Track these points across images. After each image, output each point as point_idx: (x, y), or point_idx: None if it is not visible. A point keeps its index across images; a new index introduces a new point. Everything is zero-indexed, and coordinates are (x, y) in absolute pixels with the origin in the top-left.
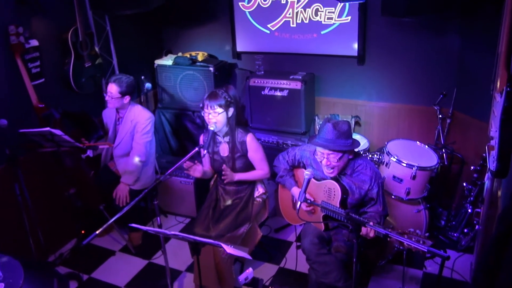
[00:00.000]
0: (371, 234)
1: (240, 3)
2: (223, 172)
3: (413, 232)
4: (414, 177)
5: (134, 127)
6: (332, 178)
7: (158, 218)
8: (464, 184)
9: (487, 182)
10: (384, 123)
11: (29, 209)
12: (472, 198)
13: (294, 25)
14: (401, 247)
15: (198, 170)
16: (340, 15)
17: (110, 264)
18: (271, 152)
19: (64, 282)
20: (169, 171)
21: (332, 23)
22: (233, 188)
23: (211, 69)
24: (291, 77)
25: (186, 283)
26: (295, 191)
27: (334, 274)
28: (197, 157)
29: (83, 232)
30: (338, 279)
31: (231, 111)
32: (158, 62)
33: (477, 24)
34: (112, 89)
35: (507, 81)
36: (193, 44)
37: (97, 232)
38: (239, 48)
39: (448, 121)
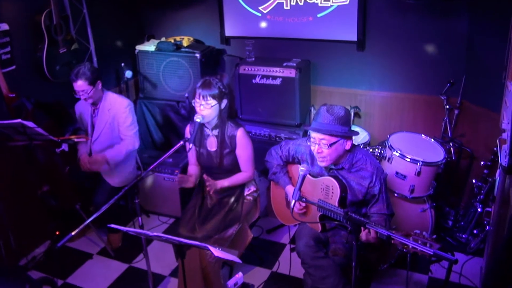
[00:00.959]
0: (372, 240)
1: None
2: (206, 183)
3: (420, 234)
4: (418, 174)
5: (113, 118)
6: (330, 175)
7: (140, 218)
8: (474, 181)
9: (498, 179)
10: (386, 115)
11: None
12: (482, 196)
13: (288, 7)
14: (404, 250)
15: (191, 181)
16: None
17: (87, 268)
18: (262, 146)
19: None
20: (151, 167)
21: (329, 5)
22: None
23: (197, 55)
24: (284, 64)
25: None
26: (290, 189)
27: (331, 279)
28: (183, 151)
29: (57, 233)
30: (335, 285)
31: (224, 102)
32: (139, 48)
33: (487, 6)
34: (82, 85)
35: None
36: (177, 28)
37: (72, 233)
38: (227, 33)
39: (456, 112)
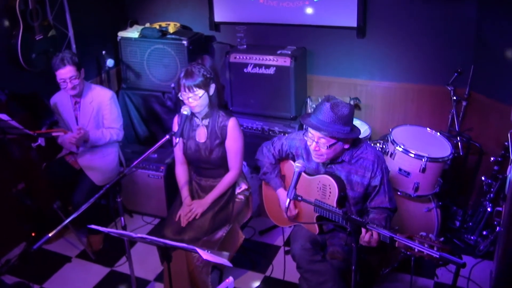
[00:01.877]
0: (373, 244)
1: None
2: (192, 210)
3: (426, 237)
4: (423, 170)
5: (97, 111)
6: (327, 171)
7: (122, 218)
8: (483, 178)
9: (509, 176)
10: (389, 106)
11: None
12: (492, 195)
13: None
14: (408, 253)
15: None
16: None
17: (65, 272)
18: (254, 141)
19: None
20: (135, 163)
21: None
22: (210, 183)
23: (185, 42)
24: (278, 52)
25: None
26: (282, 193)
27: (329, 284)
28: (168, 146)
29: (33, 234)
30: None
31: (212, 88)
32: (122, 34)
33: None
34: (71, 71)
35: None
36: (163, 14)
37: (50, 234)
38: (217, 18)
39: (464, 103)
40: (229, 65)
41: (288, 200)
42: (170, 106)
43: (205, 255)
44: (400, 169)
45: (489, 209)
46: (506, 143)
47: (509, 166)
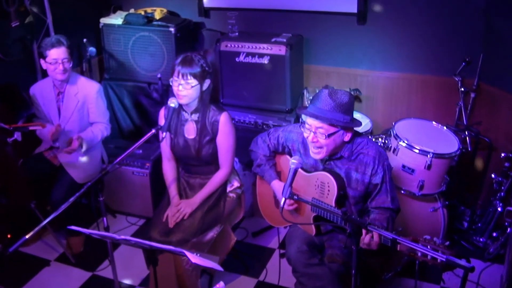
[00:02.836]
0: (373, 247)
1: None
2: (180, 210)
3: (430, 240)
4: (429, 167)
5: (82, 104)
6: (325, 167)
7: (105, 219)
8: (493, 175)
9: None
10: (391, 98)
11: None
12: (502, 194)
13: None
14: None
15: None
16: None
17: (43, 276)
18: (247, 136)
19: None
20: (118, 159)
21: None
22: (199, 181)
23: (172, 29)
24: (273, 40)
25: None
26: (277, 185)
27: None
28: (154, 141)
29: (9, 236)
30: None
31: (206, 83)
32: (104, 21)
33: None
34: (64, 52)
35: None
36: None
37: (27, 236)
38: (207, 3)
39: (472, 95)
40: (219, 54)
41: (283, 199)
42: (156, 98)
43: (194, 258)
44: (403, 166)
45: (499, 209)
46: None
47: None
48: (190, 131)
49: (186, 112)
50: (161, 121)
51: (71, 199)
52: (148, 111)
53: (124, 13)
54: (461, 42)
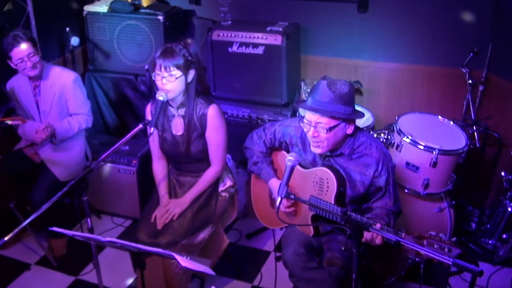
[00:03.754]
0: (378, 241)
1: None
2: (169, 210)
3: (435, 237)
4: (434, 164)
5: (59, 96)
6: (325, 164)
7: (89, 220)
8: (503, 173)
9: None
10: (395, 91)
11: None
12: None
13: None
14: (417, 259)
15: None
16: None
17: (23, 281)
18: (241, 131)
19: None
20: (103, 156)
21: None
22: (190, 179)
23: (160, 18)
24: (268, 29)
25: None
26: (274, 184)
27: None
28: (142, 137)
29: None
30: None
31: (191, 74)
32: (88, 8)
33: None
34: (29, 48)
35: None
36: None
37: (5, 238)
38: None
39: (481, 88)
40: (211, 43)
41: (279, 198)
42: (144, 91)
43: (184, 261)
44: (407, 163)
45: (509, 209)
46: None
47: None
48: (178, 127)
49: (172, 107)
50: (149, 116)
51: (53, 199)
52: (135, 104)
53: (109, 0)
54: (468, 31)
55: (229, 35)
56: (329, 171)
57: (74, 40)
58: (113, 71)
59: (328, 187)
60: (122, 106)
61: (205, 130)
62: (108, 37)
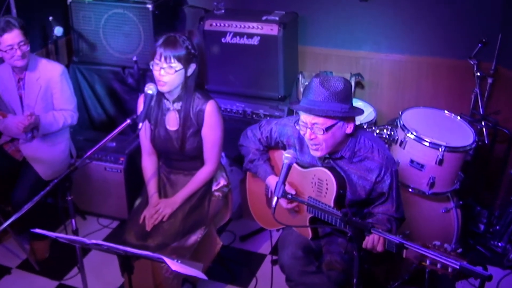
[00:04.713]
0: (379, 248)
1: None
2: (159, 211)
3: (439, 247)
4: (440, 162)
5: (45, 90)
6: (324, 165)
7: (73, 221)
8: None
9: None
10: (398, 84)
11: None
12: None
13: None
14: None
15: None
16: None
17: (3, 286)
18: (235, 126)
19: None
20: (88, 153)
21: None
22: (182, 177)
23: (149, 6)
24: (264, 18)
25: None
26: (272, 181)
27: None
28: (130, 133)
29: None
30: None
31: (192, 68)
32: None
33: None
34: (19, 35)
35: None
36: None
37: None
38: None
39: (490, 81)
40: (203, 33)
41: (275, 198)
42: (132, 84)
43: (175, 265)
44: (412, 161)
45: None
46: None
47: None
48: (172, 121)
49: (167, 100)
50: (140, 110)
51: (36, 198)
52: (122, 98)
53: None
54: (477, 20)
55: (222, 24)
56: (328, 172)
57: (58, 30)
58: (99, 63)
59: (327, 188)
60: (108, 100)
61: (201, 126)
62: (93, 27)
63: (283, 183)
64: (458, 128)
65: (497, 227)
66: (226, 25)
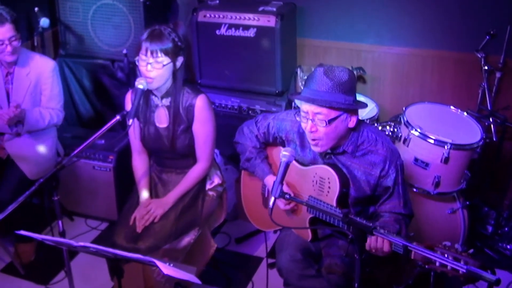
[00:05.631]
0: (385, 248)
1: None
2: (150, 211)
3: (450, 247)
4: (446, 160)
5: (34, 85)
6: (326, 162)
7: (60, 222)
8: None
9: None
10: (402, 79)
11: None
12: None
13: None
14: (427, 266)
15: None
16: None
17: None
18: (229, 123)
19: None
20: (76, 151)
21: None
22: (174, 176)
23: None
24: (260, 9)
25: None
26: (271, 181)
27: None
28: (120, 130)
29: None
30: None
31: (179, 61)
32: None
33: None
34: (10, 29)
35: None
36: None
37: None
38: None
39: (498, 75)
40: (196, 25)
41: (273, 198)
42: (122, 79)
43: (166, 268)
44: (416, 159)
45: None
46: None
47: None
48: (162, 118)
49: (156, 96)
50: (128, 106)
51: (20, 199)
52: (111, 93)
53: None
54: (484, 11)
55: (216, 16)
56: (330, 169)
57: (44, 22)
58: (87, 56)
59: (329, 187)
60: (97, 95)
61: (192, 122)
62: (81, 18)
63: (281, 182)
64: (464, 125)
65: (506, 229)
66: (221, 16)
